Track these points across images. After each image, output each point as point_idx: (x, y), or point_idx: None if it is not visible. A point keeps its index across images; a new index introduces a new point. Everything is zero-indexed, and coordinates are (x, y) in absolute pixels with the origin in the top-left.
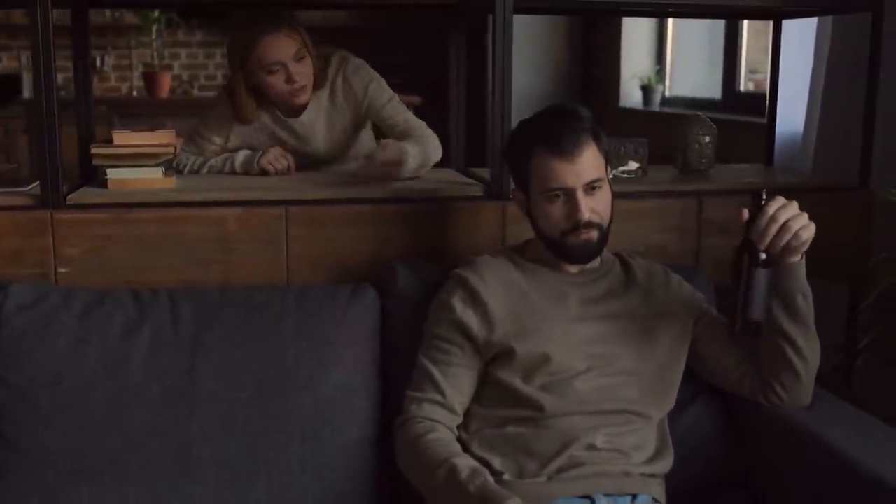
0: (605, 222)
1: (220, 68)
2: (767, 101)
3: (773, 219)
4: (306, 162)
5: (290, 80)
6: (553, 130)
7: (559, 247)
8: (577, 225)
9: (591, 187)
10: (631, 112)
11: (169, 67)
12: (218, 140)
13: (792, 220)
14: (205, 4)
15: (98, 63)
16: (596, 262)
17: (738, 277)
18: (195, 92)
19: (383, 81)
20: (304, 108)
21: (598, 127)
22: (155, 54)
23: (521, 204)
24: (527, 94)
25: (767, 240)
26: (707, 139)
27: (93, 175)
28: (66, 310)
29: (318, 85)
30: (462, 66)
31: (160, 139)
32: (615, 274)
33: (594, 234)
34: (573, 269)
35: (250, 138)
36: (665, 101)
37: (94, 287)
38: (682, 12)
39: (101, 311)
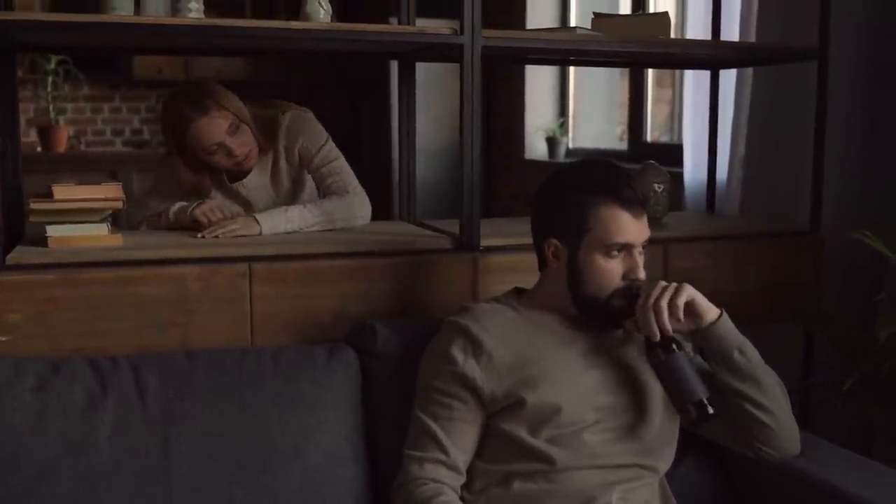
0: None
1: (108, 123)
2: (707, 150)
3: (643, 310)
4: None
5: (230, 154)
6: (625, 186)
7: (600, 307)
8: (632, 284)
9: (641, 248)
10: (537, 164)
11: (57, 121)
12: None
13: (660, 300)
14: (138, 50)
15: None
16: None
17: (663, 375)
18: (83, 147)
19: (320, 137)
20: (251, 170)
21: None
22: (51, 108)
23: (556, 255)
24: (429, 146)
25: (655, 330)
26: (662, 188)
27: (21, 233)
28: (18, 382)
29: (263, 148)
30: (411, 118)
31: (105, 193)
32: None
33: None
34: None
35: None
36: (570, 153)
37: (39, 355)
38: (629, 61)
39: (58, 383)
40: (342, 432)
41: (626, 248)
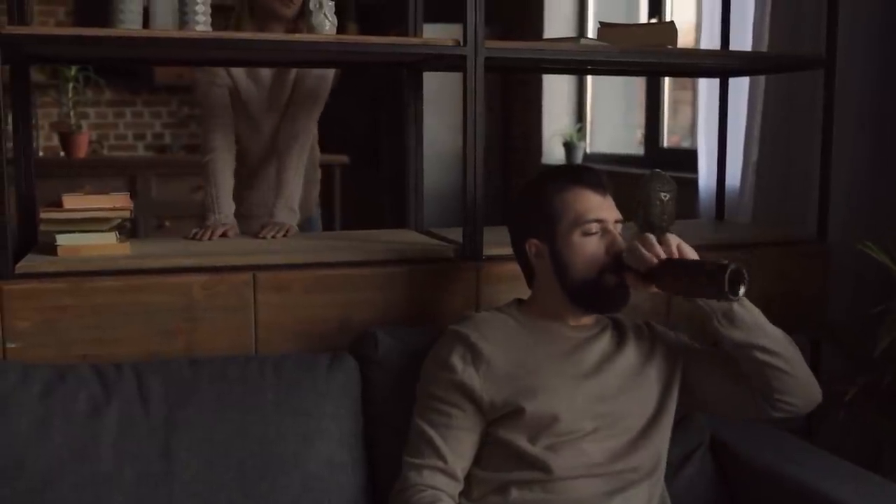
0: None
1: (130, 127)
2: (717, 157)
3: (632, 247)
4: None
5: None
6: (583, 171)
7: (594, 288)
8: (619, 256)
9: (615, 224)
10: None
11: (78, 127)
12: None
13: (645, 236)
14: (152, 60)
15: None
16: (592, 319)
17: (677, 274)
18: (105, 152)
19: (320, 98)
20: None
21: None
22: (72, 113)
23: (538, 254)
24: (446, 153)
25: (649, 256)
26: (668, 196)
27: (33, 241)
28: (24, 389)
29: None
30: (419, 126)
31: (114, 202)
32: (609, 332)
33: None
34: (586, 319)
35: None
36: (587, 158)
37: (47, 362)
38: (636, 70)
39: (63, 390)
40: (342, 440)
41: (600, 223)
